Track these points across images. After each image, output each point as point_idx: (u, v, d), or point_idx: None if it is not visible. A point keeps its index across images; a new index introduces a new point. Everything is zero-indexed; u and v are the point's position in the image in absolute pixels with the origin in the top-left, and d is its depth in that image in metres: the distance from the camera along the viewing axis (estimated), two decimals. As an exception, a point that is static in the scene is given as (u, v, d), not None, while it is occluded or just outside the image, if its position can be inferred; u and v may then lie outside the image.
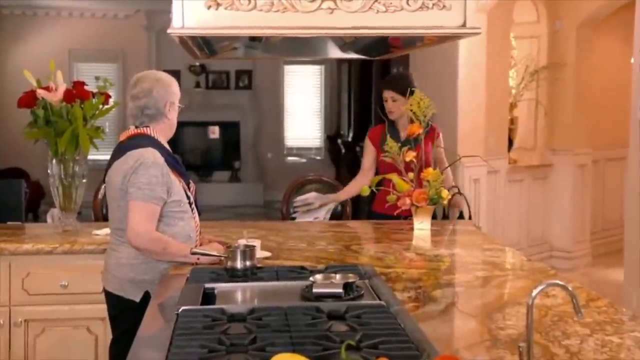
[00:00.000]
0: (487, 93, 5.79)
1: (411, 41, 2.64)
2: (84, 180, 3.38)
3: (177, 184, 2.66)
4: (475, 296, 2.27)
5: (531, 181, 6.71)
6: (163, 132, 2.72)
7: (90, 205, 3.80)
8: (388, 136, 3.62)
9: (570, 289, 1.55)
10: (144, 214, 2.54)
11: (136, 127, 2.70)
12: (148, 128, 2.68)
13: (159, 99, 2.67)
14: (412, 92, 3.83)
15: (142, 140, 2.64)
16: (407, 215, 3.40)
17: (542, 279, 2.37)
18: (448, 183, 3.70)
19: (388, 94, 3.90)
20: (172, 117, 2.73)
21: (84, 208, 3.49)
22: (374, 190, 3.46)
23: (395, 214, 3.33)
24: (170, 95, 2.70)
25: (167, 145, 2.72)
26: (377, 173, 3.90)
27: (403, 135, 3.92)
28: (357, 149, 8.86)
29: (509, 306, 2.07)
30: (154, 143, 2.64)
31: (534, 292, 1.52)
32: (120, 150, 2.64)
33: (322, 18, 2.07)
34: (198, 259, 2.52)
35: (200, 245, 2.73)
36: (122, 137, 2.71)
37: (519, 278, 2.49)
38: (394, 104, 3.89)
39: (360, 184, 3.91)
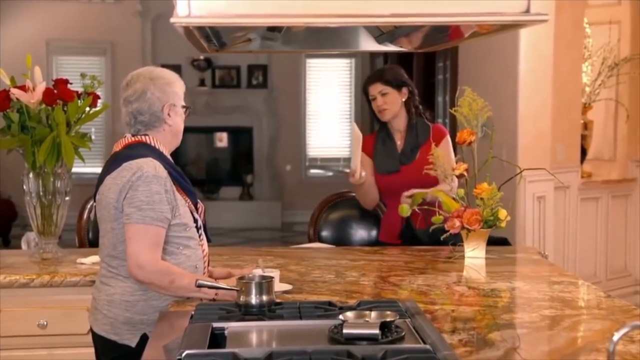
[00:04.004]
0: (554, 92, 5.78)
1: (463, 31, 2.65)
2: (67, 198, 3.43)
3: (182, 203, 2.69)
4: (542, 340, 2.26)
5: (610, 199, 6.67)
6: (164, 140, 2.74)
7: (74, 227, 3.85)
8: (381, 146, 3.63)
9: (659, 331, 1.56)
10: (146, 240, 2.56)
11: (132, 135, 2.73)
12: (146, 136, 2.72)
13: (155, 102, 2.69)
14: (404, 84, 3.85)
15: (142, 150, 2.66)
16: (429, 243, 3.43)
17: (625, 320, 2.35)
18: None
19: (375, 89, 3.86)
20: (175, 122, 2.75)
21: (65, 231, 3.53)
22: (417, 210, 3.47)
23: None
24: (169, 96, 2.72)
25: (170, 157, 2.75)
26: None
27: (400, 144, 3.91)
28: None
29: (584, 353, 2.06)
30: (155, 153, 2.67)
31: (616, 336, 1.52)
32: (115, 161, 2.67)
33: (356, 4, 2.10)
34: (216, 294, 2.53)
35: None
36: (118, 146, 2.74)
37: (596, 318, 2.48)
38: (385, 99, 3.85)
39: (372, 196, 3.90)
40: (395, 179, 3.80)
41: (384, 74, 3.90)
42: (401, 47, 3.21)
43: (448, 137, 3.89)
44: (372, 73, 4.14)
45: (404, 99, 3.88)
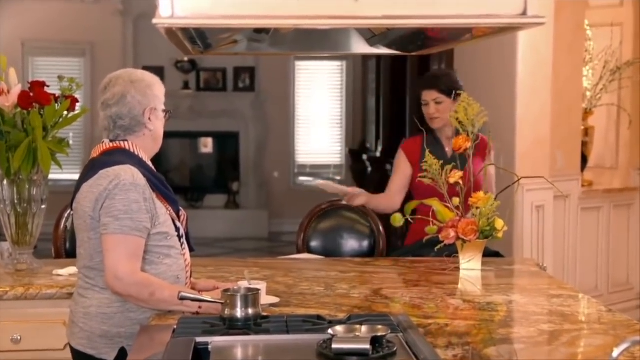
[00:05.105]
0: (554, 97, 5.80)
1: (457, 33, 2.67)
2: (43, 207, 3.42)
3: (163, 211, 2.69)
4: (540, 356, 2.27)
5: (611, 209, 6.69)
6: (144, 146, 2.76)
7: (50, 237, 3.84)
8: (428, 151, 3.64)
9: (661, 347, 1.57)
10: (124, 250, 2.57)
11: (111, 140, 2.74)
12: (126, 142, 2.73)
13: (135, 106, 2.71)
14: (458, 94, 3.87)
15: (120, 156, 2.68)
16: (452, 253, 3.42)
17: (626, 335, 2.37)
18: None
19: (429, 96, 3.95)
20: (156, 126, 2.77)
21: (41, 241, 3.52)
22: (410, 219, 3.48)
23: (435, 249, 3.35)
24: (150, 99, 2.74)
25: (150, 163, 2.76)
26: (412, 198, 3.92)
27: (449, 150, 3.95)
28: (388, 166, 8.90)
29: (583, 369, 2.07)
30: (134, 160, 2.68)
31: (616, 352, 1.54)
32: (92, 168, 2.68)
33: (347, 6, 2.11)
34: (199, 307, 2.54)
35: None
36: (95, 152, 2.75)
37: (596, 333, 2.49)
38: (438, 108, 3.95)
39: (385, 205, 3.94)
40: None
41: (440, 82, 3.98)
42: (394, 49, 3.23)
43: (493, 151, 4.00)
44: (427, 76, 4.18)
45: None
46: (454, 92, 3.90)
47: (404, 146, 4.08)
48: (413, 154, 3.98)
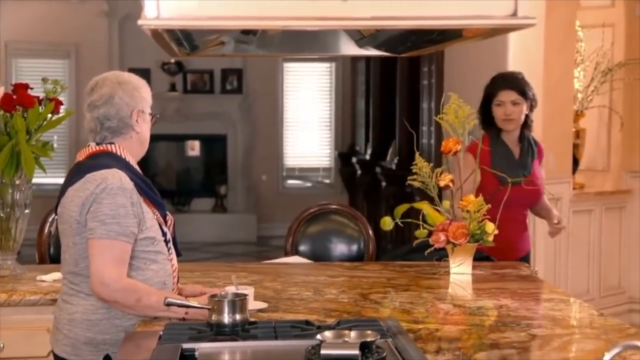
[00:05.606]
0: (544, 99, 5.80)
1: (447, 35, 2.68)
2: (27, 211, 3.42)
3: (150, 216, 2.69)
4: (531, 361, 2.28)
5: (603, 212, 6.71)
6: (131, 149, 2.75)
7: (34, 242, 3.83)
8: (502, 156, 3.65)
9: (652, 351, 1.57)
10: (110, 255, 2.56)
11: (97, 143, 2.74)
12: (112, 145, 2.73)
13: (123, 107, 2.71)
14: (531, 98, 3.99)
15: (106, 160, 2.67)
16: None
17: (617, 340, 2.37)
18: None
19: (508, 96, 3.96)
20: (143, 129, 2.77)
21: (25, 246, 3.52)
22: (399, 223, 3.48)
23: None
24: (137, 101, 2.74)
25: (137, 167, 2.76)
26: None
27: (517, 156, 3.97)
28: (378, 170, 8.91)
29: (574, 374, 2.08)
30: (120, 163, 2.68)
31: (607, 356, 1.54)
32: (78, 172, 2.67)
33: (334, 6, 2.11)
34: (186, 312, 2.53)
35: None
36: (81, 156, 2.74)
37: (587, 338, 2.50)
38: (515, 108, 3.95)
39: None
40: (515, 191, 3.72)
41: (519, 83, 4.01)
42: (383, 50, 3.23)
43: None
44: (502, 77, 4.12)
45: (527, 112, 4.00)
46: (529, 97, 3.98)
47: (471, 148, 3.80)
48: (485, 158, 3.88)
